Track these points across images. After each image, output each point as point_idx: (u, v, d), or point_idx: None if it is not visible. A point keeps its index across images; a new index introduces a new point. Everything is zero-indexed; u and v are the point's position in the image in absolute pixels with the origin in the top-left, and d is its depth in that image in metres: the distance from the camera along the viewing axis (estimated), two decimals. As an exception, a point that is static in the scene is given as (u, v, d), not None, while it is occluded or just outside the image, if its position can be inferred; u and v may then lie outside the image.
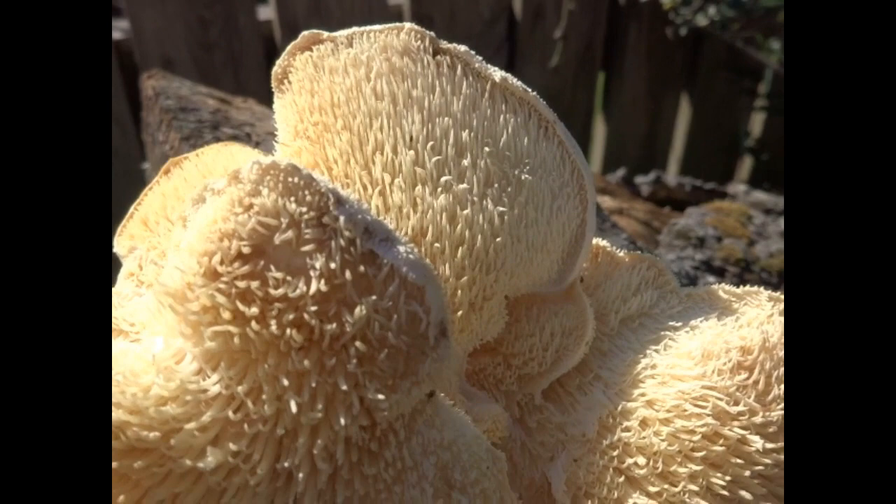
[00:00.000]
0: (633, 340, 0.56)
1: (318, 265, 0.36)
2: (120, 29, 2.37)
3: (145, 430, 0.35)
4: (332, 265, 0.36)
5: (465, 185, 0.51)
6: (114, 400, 0.35)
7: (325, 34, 0.56)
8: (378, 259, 0.37)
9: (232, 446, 0.36)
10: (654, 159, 3.08)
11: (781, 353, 0.51)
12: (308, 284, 0.36)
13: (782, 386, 0.50)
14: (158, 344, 0.39)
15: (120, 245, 0.58)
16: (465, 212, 0.50)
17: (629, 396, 0.52)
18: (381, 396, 0.36)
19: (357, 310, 0.36)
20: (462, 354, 0.53)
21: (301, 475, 0.36)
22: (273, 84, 0.57)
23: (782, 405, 0.49)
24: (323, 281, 0.36)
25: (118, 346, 0.41)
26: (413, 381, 0.38)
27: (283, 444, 0.36)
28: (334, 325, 0.36)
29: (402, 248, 0.38)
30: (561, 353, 0.55)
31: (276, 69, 0.56)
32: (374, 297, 0.36)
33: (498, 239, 0.51)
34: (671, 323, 0.56)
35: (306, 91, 0.55)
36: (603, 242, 0.61)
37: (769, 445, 0.48)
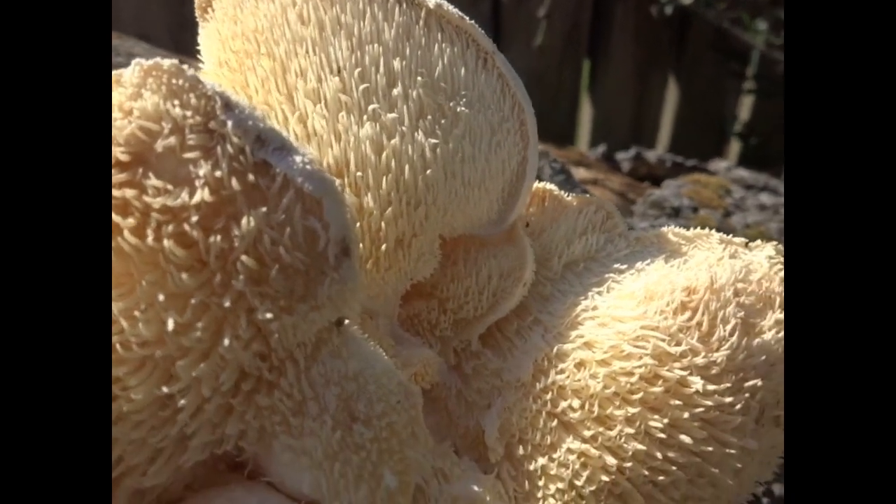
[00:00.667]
0: (577, 284, 0.53)
1: (202, 173, 0.33)
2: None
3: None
4: (219, 174, 0.33)
5: (394, 115, 0.48)
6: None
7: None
8: (270, 169, 0.34)
9: (107, 370, 0.33)
10: (641, 142, 3.05)
11: (729, 294, 0.49)
12: (191, 194, 0.33)
13: (728, 327, 0.47)
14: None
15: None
16: (393, 141, 0.47)
17: (566, 339, 0.49)
18: (269, 315, 0.33)
19: (245, 222, 0.33)
20: (392, 296, 0.51)
21: (184, 402, 0.33)
22: (197, 13, 0.54)
23: (727, 346, 0.46)
24: (208, 190, 0.33)
25: None
26: (312, 304, 0.35)
27: (163, 368, 0.33)
28: (220, 237, 0.33)
29: (298, 158, 0.35)
30: (498, 297, 0.52)
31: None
32: (264, 209, 0.33)
33: (428, 171, 0.48)
34: (616, 265, 0.53)
35: (230, 19, 0.51)
36: (551, 186, 0.58)
37: (710, 387, 0.45)
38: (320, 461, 0.35)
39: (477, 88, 0.52)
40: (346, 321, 0.38)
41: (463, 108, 0.50)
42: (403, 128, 0.48)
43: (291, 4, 0.50)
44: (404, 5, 0.51)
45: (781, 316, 0.49)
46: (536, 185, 0.59)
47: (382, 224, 0.47)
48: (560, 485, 0.47)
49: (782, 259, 0.53)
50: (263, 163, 0.34)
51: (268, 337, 0.35)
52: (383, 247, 0.47)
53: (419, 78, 0.50)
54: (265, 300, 0.34)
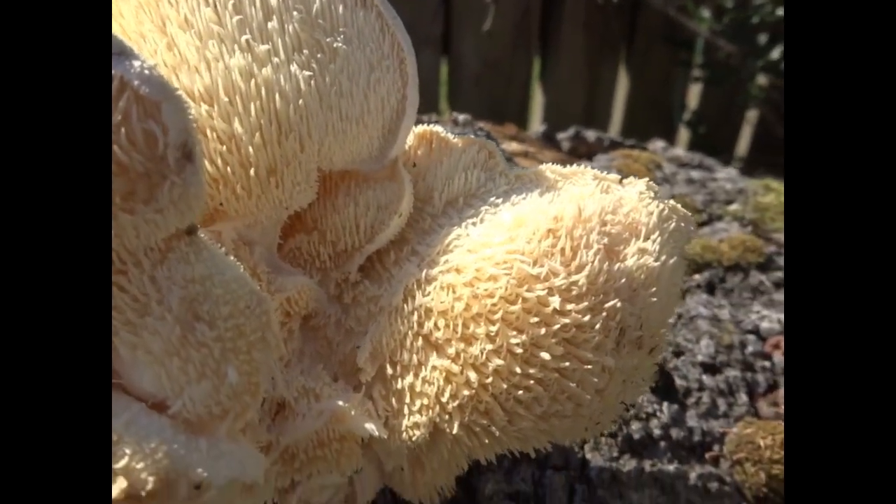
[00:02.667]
0: (455, 218, 0.55)
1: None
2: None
3: None
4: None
5: (266, 47, 0.49)
6: None
7: None
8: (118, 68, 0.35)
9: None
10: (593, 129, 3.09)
11: (594, 224, 0.51)
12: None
13: (590, 252, 0.49)
14: None
15: None
16: (265, 70, 0.48)
17: (436, 264, 0.51)
18: (129, 201, 0.34)
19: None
20: (269, 225, 0.52)
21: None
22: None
23: (587, 270, 0.48)
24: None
25: None
26: (154, 207, 0.36)
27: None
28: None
29: (136, 63, 0.36)
30: (376, 228, 0.54)
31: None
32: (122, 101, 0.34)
33: (301, 101, 0.49)
34: (493, 199, 0.55)
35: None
36: (438, 128, 0.60)
37: (568, 306, 0.47)
38: (160, 357, 0.37)
39: (356, 26, 0.53)
40: (199, 231, 0.40)
41: (340, 44, 0.52)
42: (277, 59, 0.49)
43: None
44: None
45: (646, 245, 0.52)
46: (425, 127, 0.60)
47: (251, 149, 0.48)
48: (425, 401, 0.48)
49: (652, 193, 0.55)
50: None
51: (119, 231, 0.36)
52: (252, 171, 0.48)
53: (296, 13, 0.51)
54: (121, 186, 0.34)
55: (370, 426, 0.47)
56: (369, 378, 0.50)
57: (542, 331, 0.47)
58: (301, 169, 0.50)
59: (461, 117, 1.27)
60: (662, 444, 0.79)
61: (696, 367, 0.89)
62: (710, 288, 1.10)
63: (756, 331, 0.98)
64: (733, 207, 1.38)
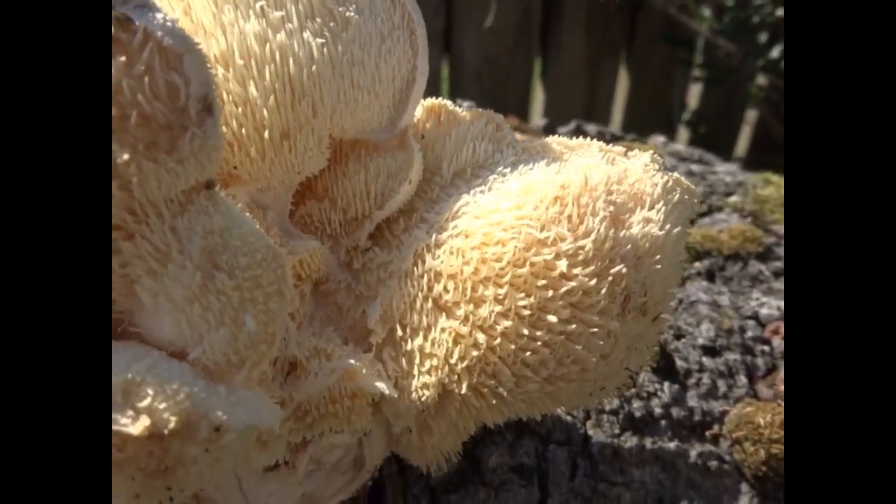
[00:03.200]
0: (463, 187, 0.56)
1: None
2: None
3: None
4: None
5: (281, 13, 0.50)
6: None
7: None
8: (132, 24, 0.36)
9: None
10: (593, 128, 3.10)
11: (600, 192, 0.52)
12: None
13: (596, 219, 0.50)
14: None
15: None
16: (279, 36, 0.49)
17: (445, 230, 0.52)
18: (126, 157, 0.35)
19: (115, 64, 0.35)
20: (282, 190, 0.52)
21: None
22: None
23: (594, 235, 0.49)
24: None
25: None
26: (176, 157, 0.37)
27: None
28: (80, 82, 0.34)
29: (159, 15, 0.36)
30: (386, 195, 0.55)
31: None
32: (123, 59, 0.35)
33: (314, 68, 0.50)
34: (501, 169, 0.56)
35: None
36: (446, 101, 0.61)
37: (575, 270, 0.48)
38: (181, 304, 0.37)
39: (365, -5, 0.54)
40: (217, 186, 0.40)
41: (353, 14, 0.53)
42: (290, 25, 0.50)
43: None
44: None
45: (650, 214, 0.53)
46: (433, 101, 0.61)
47: (265, 112, 0.48)
48: (434, 362, 0.49)
49: (657, 165, 0.56)
50: (125, 17, 0.36)
51: (130, 186, 0.36)
52: (266, 134, 0.49)
53: (308, -19, 0.52)
54: (124, 145, 0.35)
55: (381, 385, 0.48)
56: (379, 340, 0.51)
57: (549, 294, 0.48)
58: (313, 134, 0.51)
59: (465, 104, 1.28)
60: (663, 422, 0.80)
61: (696, 350, 0.90)
62: (710, 275, 1.11)
63: (755, 316, 0.99)
64: (733, 199, 1.39)
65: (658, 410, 0.80)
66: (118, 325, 0.40)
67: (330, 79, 0.51)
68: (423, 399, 0.49)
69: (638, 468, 0.75)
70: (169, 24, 0.36)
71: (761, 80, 2.79)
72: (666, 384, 0.83)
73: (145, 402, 0.34)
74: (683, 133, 3.17)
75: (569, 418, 0.75)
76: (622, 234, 0.51)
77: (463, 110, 0.61)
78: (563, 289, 0.48)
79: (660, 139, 1.92)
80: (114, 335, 0.40)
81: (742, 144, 3.26)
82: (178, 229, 0.38)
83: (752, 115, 3.06)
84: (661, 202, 0.53)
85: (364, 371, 0.47)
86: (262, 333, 0.39)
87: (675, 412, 0.81)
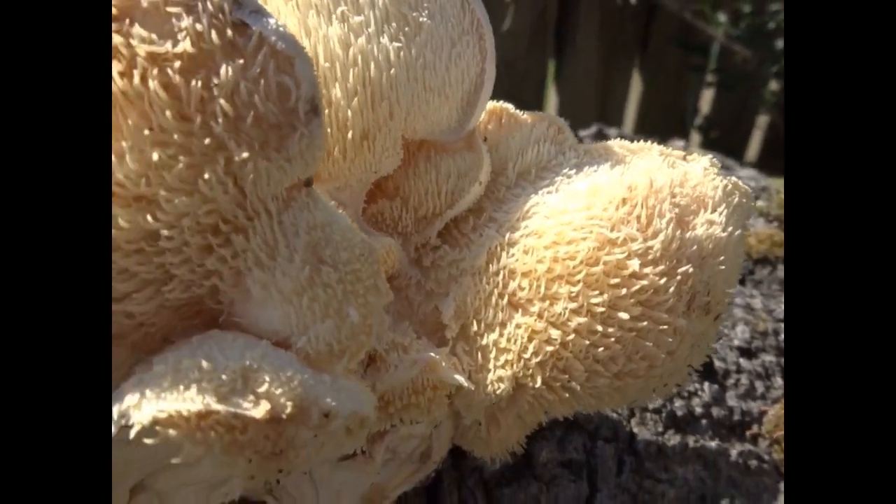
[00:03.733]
0: (529, 188, 0.57)
1: (184, 25, 0.36)
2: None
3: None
4: (199, 27, 0.36)
5: (360, 18, 0.51)
6: None
7: None
8: (247, 28, 0.38)
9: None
10: (606, 131, 3.11)
11: (665, 194, 0.53)
12: (174, 45, 0.36)
13: (663, 220, 0.52)
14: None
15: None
16: (360, 40, 0.51)
17: (517, 229, 0.53)
18: (245, 155, 0.37)
19: (223, 71, 0.36)
20: (358, 188, 0.54)
21: (167, 233, 0.37)
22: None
23: (662, 236, 0.51)
24: (189, 42, 0.36)
25: None
26: (285, 155, 0.39)
27: (150, 204, 0.37)
28: (200, 84, 0.36)
29: (272, 21, 0.38)
30: (455, 195, 0.56)
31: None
32: (241, 62, 0.37)
33: (392, 71, 0.52)
34: (566, 171, 0.57)
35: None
36: (507, 105, 0.63)
37: (645, 269, 0.50)
38: (290, 296, 0.39)
39: (438, 2, 0.56)
40: (313, 184, 0.42)
41: (425, 19, 0.54)
42: (369, 30, 0.52)
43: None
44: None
45: (713, 217, 0.54)
46: (494, 104, 0.63)
47: (349, 114, 0.50)
48: (509, 356, 0.51)
49: (715, 170, 0.58)
50: (241, 22, 0.38)
51: (243, 183, 0.38)
52: (349, 135, 0.50)
53: (385, -12, 0.53)
54: (241, 144, 0.37)
55: (459, 377, 0.49)
56: (453, 335, 0.53)
57: (622, 292, 0.49)
58: (390, 135, 0.53)
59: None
60: (704, 421, 0.81)
61: (733, 351, 0.91)
62: (741, 279, 1.12)
63: (788, 319, 1.00)
64: (758, 204, 1.40)
65: (699, 410, 0.82)
66: (219, 316, 0.42)
67: (405, 82, 0.53)
68: (497, 392, 0.51)
69: (681, 466, 0.77)
70: (281, 29, 0.38)
71: (774, 85, 2.80)
72: (706, 384, 0.84)
73: (263, 388, 0.35)
74: (695, 137, 3.19)
75: (614, 415, 0.77)
76: (688, 235, 0.52)
77: (524, 113, 0.63)
78: (635, 287, 0.50)
79: (679, 143, 1.94)
80: (215, 325, 0.42)
81: (753, 149, 3.27)
82: (284, 224, 0.40)
83: (763, 120, 3.06)
84: (723, 205, 0.55)
85: (443, 364, 0.49)
86: (362, 325, 0.41)
87: (716, 412, 0.82)
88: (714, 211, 0.55)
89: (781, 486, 0.80)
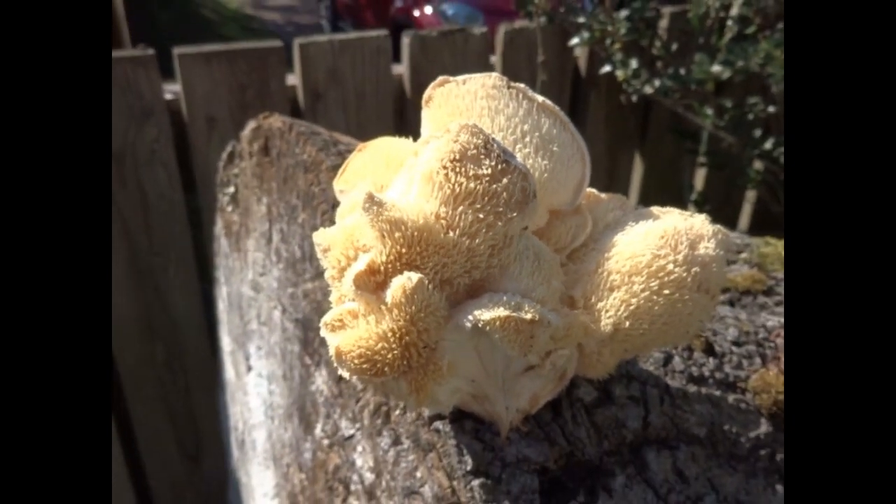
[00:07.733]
0: (611, 233, 1.09)
1: (487, 163, 0.89)
2: (171, 91, 2.89)
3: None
4: (492, 163, 0.89)
5: (528, 150, 1.04)
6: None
7: (450, 77, 1.10)
8: (511, 163, 0.90)
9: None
10: (615, 204, 3.62)
11: (682, 233, 1.05)
12: (483, 169, 0.89)
13: (682, 245, 1.03)
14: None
15: (338, 185, 1.10)
16: (530, 162, 1.04)
17: (608, 250, 1.05)
18: (513, 215, 0.89)
19: (504, 181, 0.89)
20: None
21: (469, 241, 0.89)
22: (423, 104, 1.10)
23: (682, 254, 1.02)
24: (490, 170, 0.89)
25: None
26: (523, 216, 0.91)
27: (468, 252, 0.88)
28: (495, 186, 0.88)
29: (519, 158, 0.91)
30: (574, 238, 1.08)
31: (424, 96, 1.10)
32: (509, 177, 0.89)
33: (545, 176, 1.04)
34: (630, 223, 1.09)
35: (442, 106, 1.08)
36: (591, 189, 1.15)
37: (675, 269, 1.01)
38: (526, 276, 0.90)
39: (561, 139, 1.09)
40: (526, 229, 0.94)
41: (556, 148, 1.07)
42: (531, 157, 1.05)
43: (474, 98, 1.07)
44: (526, 100, 1.09)
45: (709, 245, 1.05)
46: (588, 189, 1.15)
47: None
48: (610, 313, 1.01)
49: (709, 220, 1.10)
50: (506, 161, 0.90)
51: (505, 226, 0.89)
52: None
53: (536, 133, 1.07)
54: (509, 209, 0.89)
55: (589, 323, 1.00)
56: (580, 305, 1.04)
57: (664, 280, 1.00)
58: (543, 208, 1.05)
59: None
60: (710, 380, 1.30)
61: (727, 342, 1.41)
62: (731, 303, 1.63)
63: (764, 326, 1.50)
64: (743, 255, 1.91)
65: (706, 373, 1.31)
66: (477, 287, 0.92)
67: (549, 183, 1.05)
68: (605, 331, 1.01)
69: (698, 404, 1.25)
70: (521, 163, 0.91)
71: (758, 165, 3.31)
72: (710, 359, 1.34)
73: (526, 308, 0.86)
74: (692, 211, 3.70)
75: (656, 373, 1.26)
76: (696, 253, 1.04)
77: (602, 194, 1.15)
78: (670, 279, 1.01)
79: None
80: (469, 295, 0.92)
81: (744, 220, 3.79)
82: (518, 248, 0.91)
83: (751, 195, 3.59)
84: (714, 238, 1.07)
85: (581, 317, 0.99)
86: (556, 290, 0.92)
87: (717, 375, 1.32)
88: (710, 241, 1.06)
89: (762, 420, 1.28)
